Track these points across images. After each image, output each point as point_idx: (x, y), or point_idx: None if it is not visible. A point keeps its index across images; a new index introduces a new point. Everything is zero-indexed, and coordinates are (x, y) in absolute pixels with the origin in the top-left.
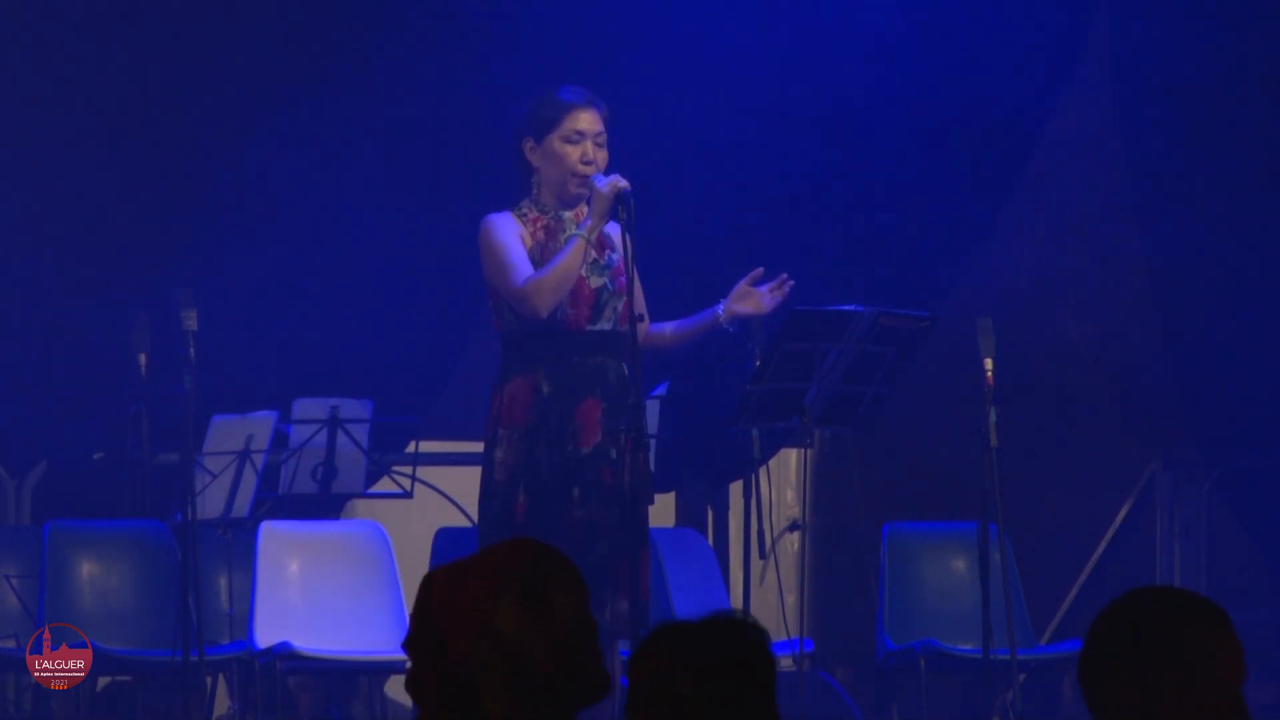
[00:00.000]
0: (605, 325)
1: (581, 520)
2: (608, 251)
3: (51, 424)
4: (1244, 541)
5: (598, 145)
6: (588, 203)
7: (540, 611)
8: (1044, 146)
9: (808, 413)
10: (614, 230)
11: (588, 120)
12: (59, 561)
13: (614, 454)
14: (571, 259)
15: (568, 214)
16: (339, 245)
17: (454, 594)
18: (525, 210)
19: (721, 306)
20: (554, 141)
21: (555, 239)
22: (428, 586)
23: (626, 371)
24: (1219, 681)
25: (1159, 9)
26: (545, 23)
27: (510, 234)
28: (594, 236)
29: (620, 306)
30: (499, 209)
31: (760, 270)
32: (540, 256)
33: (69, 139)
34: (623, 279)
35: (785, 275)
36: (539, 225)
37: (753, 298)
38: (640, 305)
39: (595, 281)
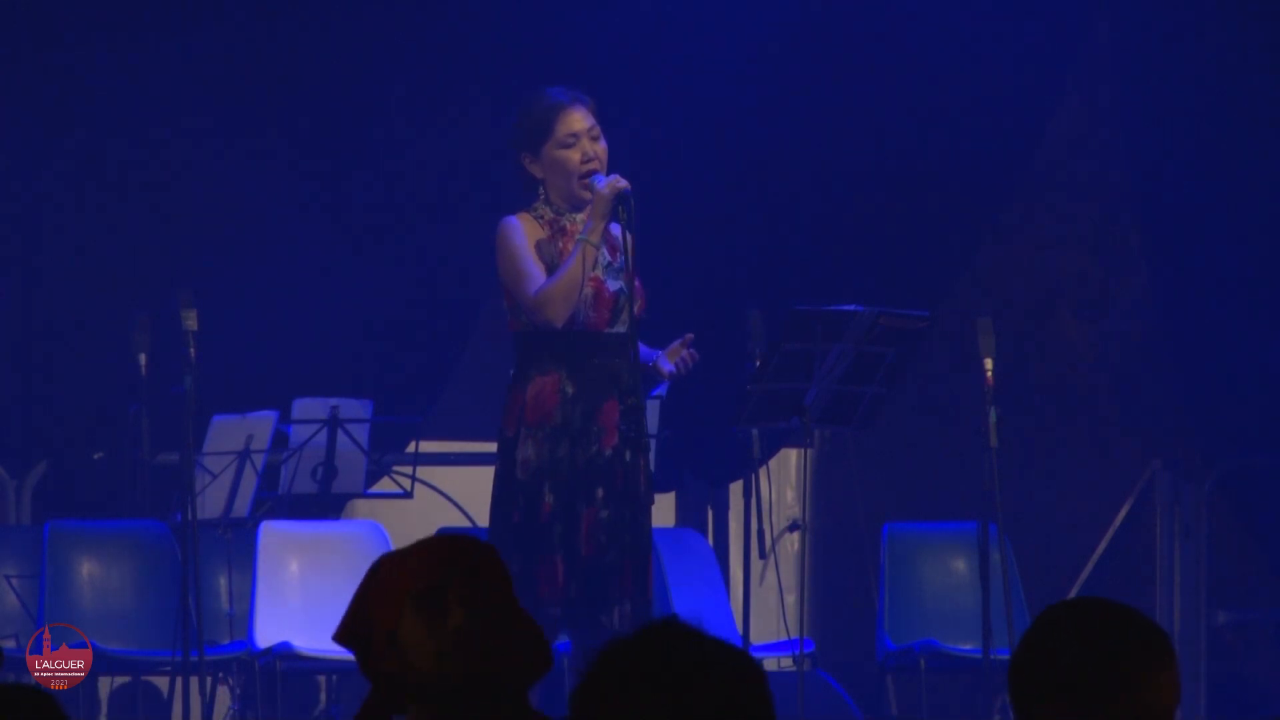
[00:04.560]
0: (621, 328)
1: (605, 521)
2: (619, 254)
3: (51, 424)
4: (1244, 541)
5: (594, 140)
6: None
7: (436, 629)
8: (1044, 146)
9: (808, 413)
10: (617, 231)
11: (578, 119)
12: (59, 561)
13: (628, 456)
14: (577, 266)
15: (579, 216)
16: (339, 245)
17: (378, 591)
18: (541, 211)
19: (660, 356)
20: (551, 150)
21: (564, 240)
22: (368, 577)
23: (635, 375)
24: (1153, 708)
25: (1160, 8)
26: (542, 23)
27: (523, 240)
28: (598, 239)
29: (635, 309)
30: (511, 210)
31: (690, 336)
32: (550, 257)
33: (69, 140)
34: (635, 281)
35: (690, 335)
36: (552, 227)
37: (676, 354)
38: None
39: (613, 284)
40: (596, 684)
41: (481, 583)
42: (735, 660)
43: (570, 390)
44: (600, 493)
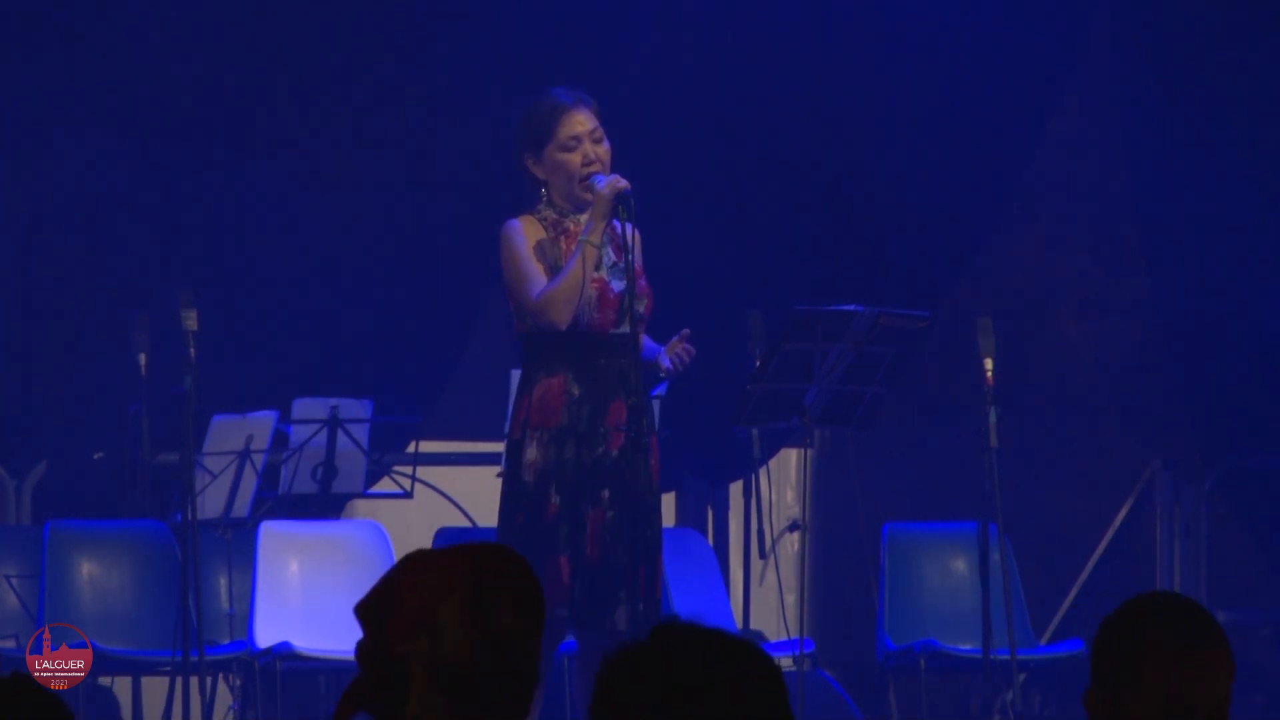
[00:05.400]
0: (626, 328)
1: (611, 522)
2: (625, 254)
3: (51, 424)
4: (1244, 541)
5: (596, 142)
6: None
7: (483, 621)
8: (1044, 146)
9: (808, 413)
10: (633, 231)
11: (580, 121)
12: (59, 561)
13: (635, 456)
14: (578, 268)
15: (581, 217)
16: (339, 245)
17: (414, 578)
18: (544, 214)
19: (661, 352)
20: (553, 152)
21: (565, 241)
22: (402, 564)
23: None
24: (1183, 701)
25: (1160, 8)
26: (543, 23)
27: (524, 243)
28: (598, 239)
29: (642, 309)
30: (512, 210)
31: (687, 331)
32: (550, 258)
33: (70, 140)
34: (641, 281)
35: (686, 331)
36: (558, 229)
37: (675, 350)
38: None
39: (618, 285)
40: (612, 691)
41: (534, 597)
42: (747, 656)
43: (576, 392)
44: (606, 494)
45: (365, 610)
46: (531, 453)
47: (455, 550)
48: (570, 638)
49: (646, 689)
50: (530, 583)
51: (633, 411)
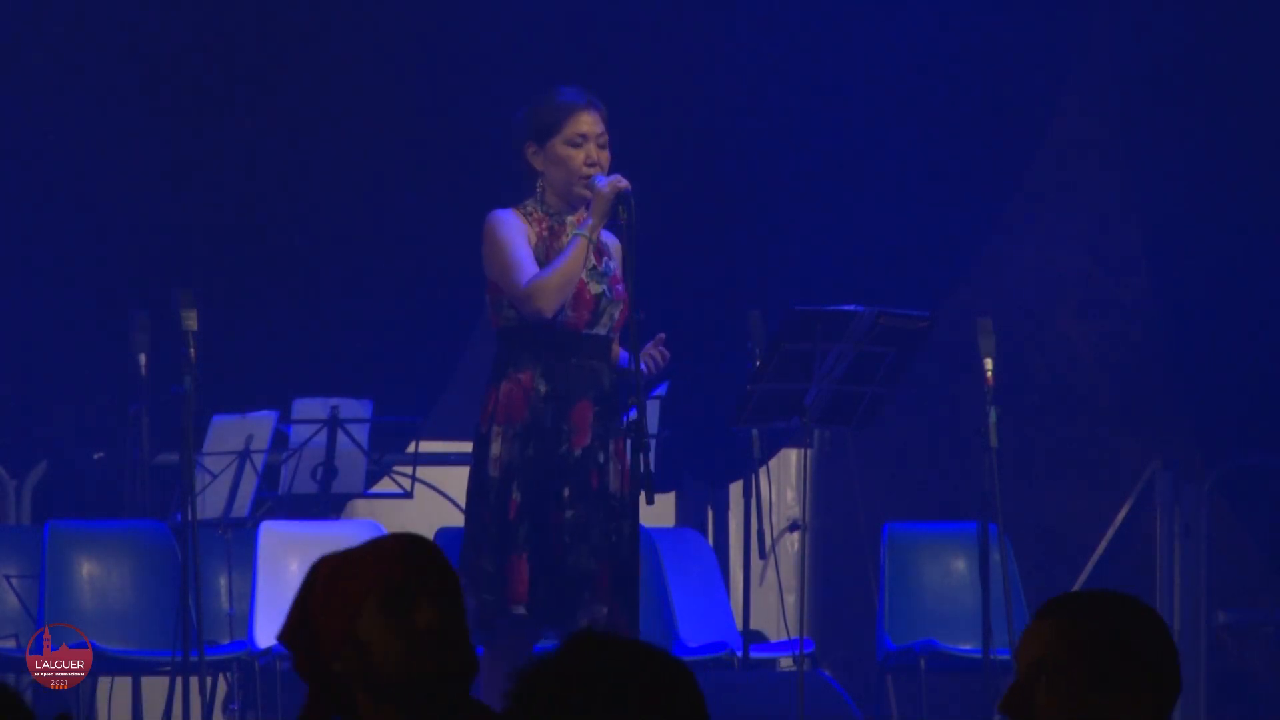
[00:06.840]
0: (601, 330)
1: (569, 521)
2: (605, 259)
3: (51, 424)
4: (1244, 541)
5: (600, 146)
6: (587, 205)
7: (402, 625)
8: (1045, 146)
9: (808, 413)
10: (610, 239)
11: (589, 122)
12: (59, 561)
13: (602, 457)
14: (574, 259)
15: (570, 217)
16: (339, 245)
17: (329, 591)
18: (530, 209)
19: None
20: (557, 145)
21: (558, 240)
22: (311, 578)
23: (614, 378)
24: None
25: (1159, 9)
26: (543, 19)
27: (516, 232)
28: (595, 237)
29: (617, 314)
30: (504, 206)
31: (662, 335)
32: (544, 257)
33: (70, 138)
34: (619, 287)
35: (662, 335)
36: (544, 225)
37: (649, 353)
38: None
39: (595, 288)
40: (524, 703)
41: (447, 581)
42: (661, 667)
43: (543, 389)
44: (566, 492)
45: (289, 637)
46: (496, 448)
47: (362, 552)
48: (545, 639)
49: (558, 701)
50: (440, 567)
51: (604, 413)
